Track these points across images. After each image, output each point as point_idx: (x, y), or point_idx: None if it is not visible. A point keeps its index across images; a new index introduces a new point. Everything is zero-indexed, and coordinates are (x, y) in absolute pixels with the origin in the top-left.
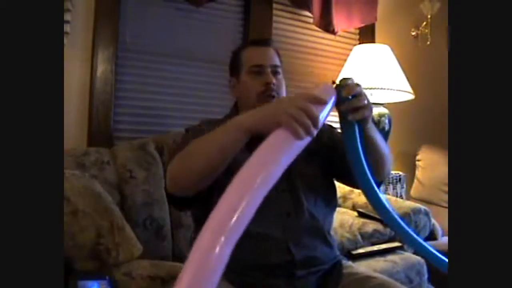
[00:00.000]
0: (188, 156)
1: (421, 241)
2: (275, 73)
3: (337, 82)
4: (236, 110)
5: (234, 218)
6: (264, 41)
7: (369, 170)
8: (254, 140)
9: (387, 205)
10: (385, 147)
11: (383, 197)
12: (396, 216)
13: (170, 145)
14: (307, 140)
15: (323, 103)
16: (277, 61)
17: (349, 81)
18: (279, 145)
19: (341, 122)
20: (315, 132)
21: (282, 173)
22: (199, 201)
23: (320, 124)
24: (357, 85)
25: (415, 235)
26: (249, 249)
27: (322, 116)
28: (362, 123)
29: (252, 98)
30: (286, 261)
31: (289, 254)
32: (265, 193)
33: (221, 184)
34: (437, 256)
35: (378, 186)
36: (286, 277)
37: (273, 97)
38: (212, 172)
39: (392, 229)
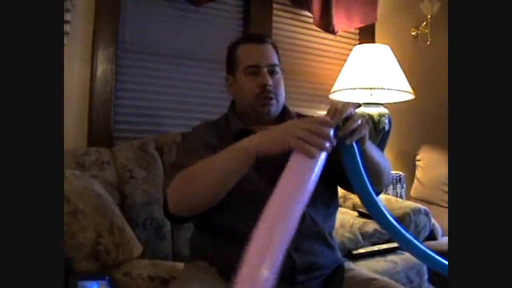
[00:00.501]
0: (193, 181)
1: (420, 245)
2: (272, 72)
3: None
4: (233, 109)
5: (271, 252)
6: (260, 38)
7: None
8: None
9: (391, 218)
10: (384, 162)
11: (384, 209)
12: (400, 228)
13: (169, 160)
14: (323, 156)
15: (329, 125)
16: (274, 60)
17: (339, 106)
18: (300, 173)
19: (339, 145)
20: (328, 145)
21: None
22: (198, 215)
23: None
24: (347, 106)
25: (414, 240)
26: None
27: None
28: (360, 142)
29: (249, 99)
30: (287, 267)
31: (290, 260)
32: (296, 222)
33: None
34: (439, 261)
35: (377, 195)
36: (287, 282)
37: (271, 98)
38: (219, 196)
39: (390, 235)
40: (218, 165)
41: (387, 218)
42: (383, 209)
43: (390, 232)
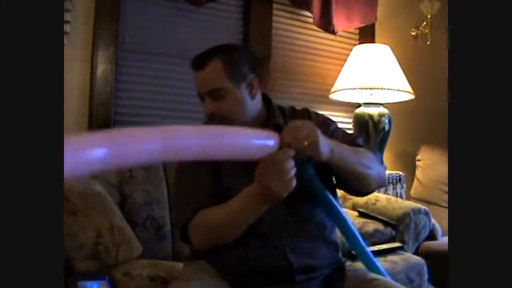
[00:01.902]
0: (216, 234)
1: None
2: (216, 97)
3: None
4: None
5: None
6: (198, 63)
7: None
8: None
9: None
10: (367, 162)
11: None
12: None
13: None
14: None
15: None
16: (215, 84)
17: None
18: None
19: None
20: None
21: None
22: None
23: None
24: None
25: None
26: (247, 257)
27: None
28: (314, 159)
29: (209, 121)
30: (284, 268)
31: (287, 262)
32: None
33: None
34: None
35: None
36: (286, 283)
37: (223, 122)
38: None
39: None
40: (238, 220)
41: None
42: (346, 217)
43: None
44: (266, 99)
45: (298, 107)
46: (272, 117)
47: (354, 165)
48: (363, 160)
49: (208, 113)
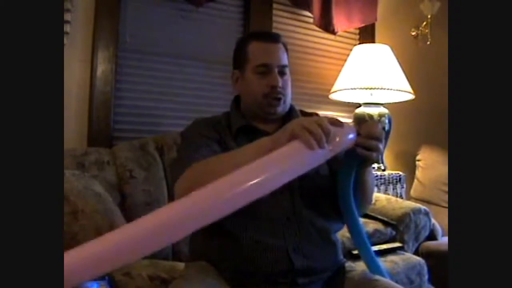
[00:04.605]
0: (210, 173)
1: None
2: (282, 73)
3: (357, 113)
4: (236, 106)
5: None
6: (274, 37)
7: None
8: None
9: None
10: (373, 189)
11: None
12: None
13: (170, 160)
14: (320, 155)
15: (339, 124)
16: (285, 60)
17: (371, 120)
18: (289, 154)
19: (345, 155)
20: (327, 146)
21: None
22: None
23: (334, 146)
24: (376, 124)
25: (379, 265)
26: (250, 257)
27: (339, 142)
28: (365, 163)
29: (257, 98)
30: (287, 270)
31: (290, 263)
32: (260, 194)
33: None
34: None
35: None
36: (288, 285)
37: (279, 99)
38: None
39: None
40: (238, 160)
41: (365, 241)
42: (363, 229)
43: (361, 254)
44: None
45: (298, 108)
46: (291, 113)
47: (369, 177)
48: (372, 177)
49: (274, 84)
